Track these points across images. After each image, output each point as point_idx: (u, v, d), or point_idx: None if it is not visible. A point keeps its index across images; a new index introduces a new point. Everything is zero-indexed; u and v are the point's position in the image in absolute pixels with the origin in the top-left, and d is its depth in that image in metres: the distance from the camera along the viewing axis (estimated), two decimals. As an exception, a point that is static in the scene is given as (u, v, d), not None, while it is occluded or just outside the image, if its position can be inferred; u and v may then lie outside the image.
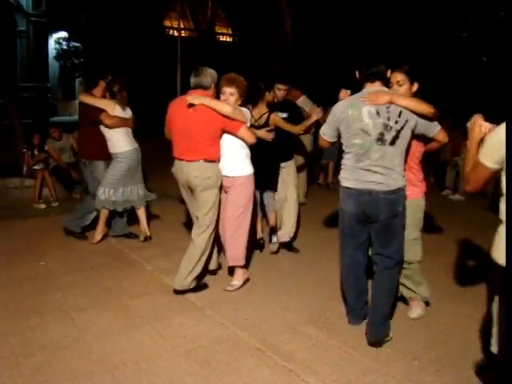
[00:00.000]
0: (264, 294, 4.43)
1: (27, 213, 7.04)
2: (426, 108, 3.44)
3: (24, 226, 6.27)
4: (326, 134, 3.81)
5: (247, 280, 4.63)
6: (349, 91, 3.74)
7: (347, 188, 3.58)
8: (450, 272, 4.98)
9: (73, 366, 3.20)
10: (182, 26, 16.30)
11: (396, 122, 3.40)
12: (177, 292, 4.34)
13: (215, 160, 4.32)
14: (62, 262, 5.11)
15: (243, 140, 4.36)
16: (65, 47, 30.99)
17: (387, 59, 3.61)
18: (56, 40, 32.07)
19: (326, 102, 9.81)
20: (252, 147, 4.50)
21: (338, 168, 9.13)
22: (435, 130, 3.61)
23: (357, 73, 3.61)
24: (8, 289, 4.38)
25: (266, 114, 5.26)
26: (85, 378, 3.07)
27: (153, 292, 4.42)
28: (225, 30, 35.67)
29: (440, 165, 10.02)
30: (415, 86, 3.75)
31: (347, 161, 3.61)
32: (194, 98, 4.23)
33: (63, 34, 31.97)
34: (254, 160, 4.56)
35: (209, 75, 4.32)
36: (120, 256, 5.35)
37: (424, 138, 3.72)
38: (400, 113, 3.41)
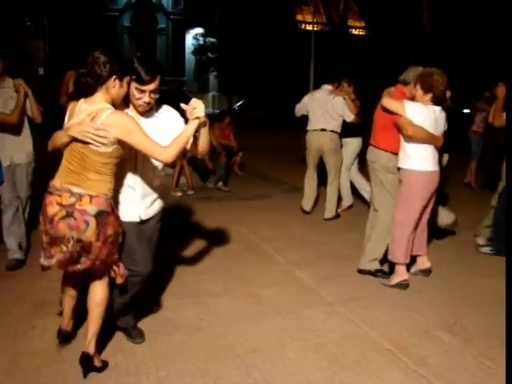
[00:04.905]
0: (395, 294, 4.31)
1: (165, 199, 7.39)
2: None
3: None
4: None
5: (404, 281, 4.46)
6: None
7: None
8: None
9: (206, 348, 3.33)
10: (314, 20, 16.29)
11: None
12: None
13: None
14: (195, 248, 5.30)
15: None
16: (201, 43, 32.40)
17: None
18: (193, 36, 33.62)
19: (471, 95, 9.46)
20: None
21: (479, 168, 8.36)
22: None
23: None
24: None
25: None
26: (217, 361, 3.18)
27: (283, 284, 4.48)
28: (358, 24, 35.17)
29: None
30: None
31: None
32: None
33: (199, 30, 33.40)
34: None
35: (412, 72, 4.51)
36: (252, 246, 5.49)
37: None
38: None
